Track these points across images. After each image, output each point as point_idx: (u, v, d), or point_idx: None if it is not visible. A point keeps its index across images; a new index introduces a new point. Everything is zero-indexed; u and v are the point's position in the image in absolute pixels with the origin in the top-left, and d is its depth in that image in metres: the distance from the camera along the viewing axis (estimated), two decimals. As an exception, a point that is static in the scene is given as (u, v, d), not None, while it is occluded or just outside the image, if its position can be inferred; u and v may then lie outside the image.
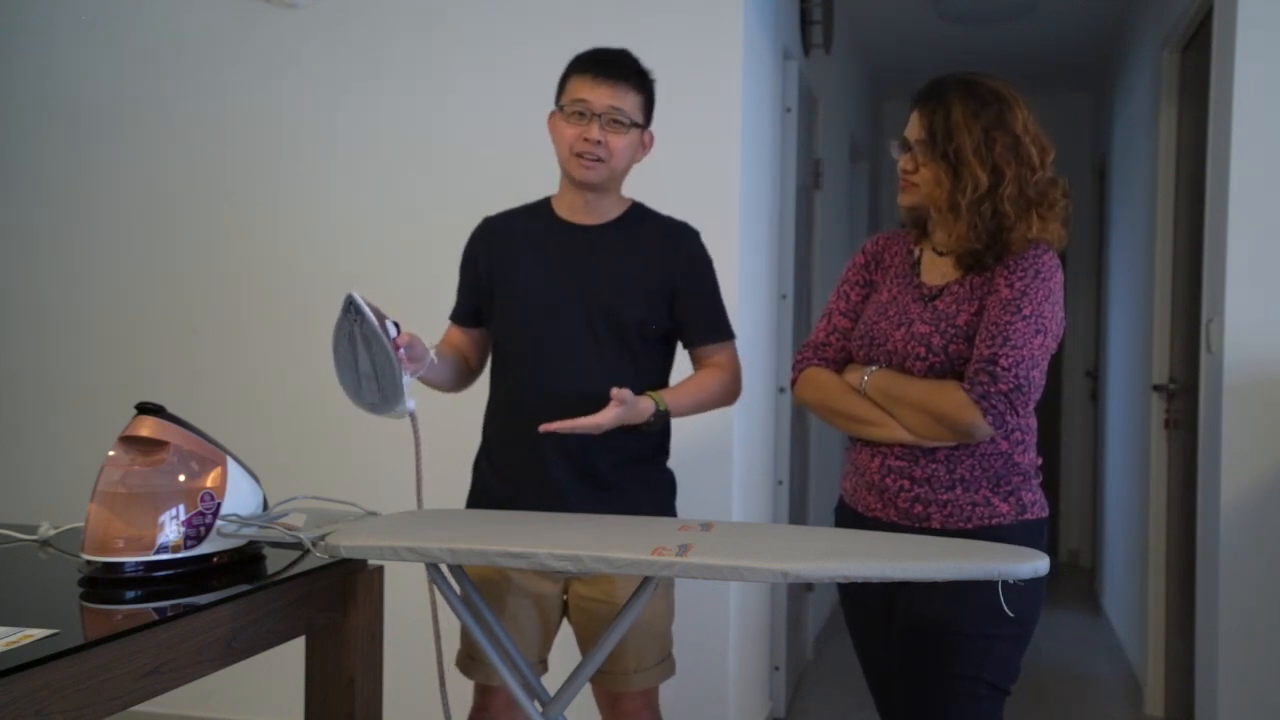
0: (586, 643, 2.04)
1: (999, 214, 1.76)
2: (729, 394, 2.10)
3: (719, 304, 2.11)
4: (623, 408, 1.86)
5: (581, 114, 1.97)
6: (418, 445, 1.84)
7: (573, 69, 2.02)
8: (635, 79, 2.01)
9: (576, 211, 2.05)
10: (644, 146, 2.06)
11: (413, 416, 1.81)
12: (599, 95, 1.96)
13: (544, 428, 1.85)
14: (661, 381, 2.08)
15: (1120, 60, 4.93)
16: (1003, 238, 1.77)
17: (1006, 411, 1.70)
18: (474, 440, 2.13)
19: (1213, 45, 2.94)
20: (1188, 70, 3.49)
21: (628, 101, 1.98)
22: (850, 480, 1.92)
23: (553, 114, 2.04)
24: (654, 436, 2.03)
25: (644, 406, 1.91)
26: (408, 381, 1.77)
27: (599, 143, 1.96)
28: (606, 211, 2.05)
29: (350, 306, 1.70)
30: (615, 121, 1.97)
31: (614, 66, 1.99)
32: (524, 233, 2.09)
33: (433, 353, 1.88)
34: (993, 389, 1.70)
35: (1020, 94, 1.82)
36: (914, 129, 1.83)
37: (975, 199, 1.76)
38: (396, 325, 1.76)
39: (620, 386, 1.92)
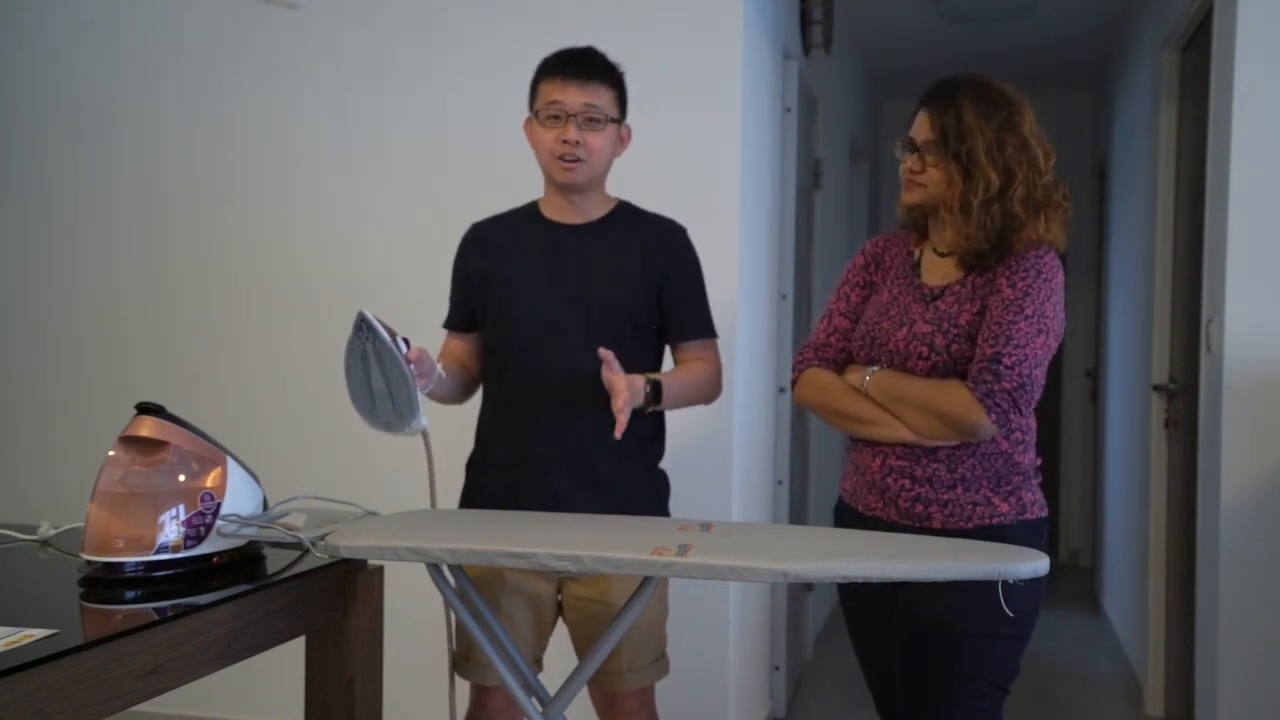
0: (582, 642, 2.04)
1: (1009, 215, 1.76)
2: (713, 389, 2.10)
3: (704, 301, 2.10)
4: (626, 390, 1.84)
5: (556, 116, 1.97)
6: (431, 463, 1.84)
7: (542, 73, 2.02)
8: (605, 74, 2.01)
9: (564, 212, 2.06)
10: (622, 141, 2.07)
11: (425, 434, 1.81)
12: (571, 95, 1.96)
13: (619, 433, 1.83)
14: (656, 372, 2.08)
15: (1120, 60, 4.93)
16: (1009, 238, 1.77)
17: (1010, 410, 1.71)
18: (468, 441, 2.13)
19: (1213, 45, 2.94)
20: (1188, 70, 3.49)
21: (601, 98, 1.99)
22: (851, 480, 1.92)
23: (528, 120, 2.05)
24: (649, 430, 2.04)
25: (638, 383, 1.91)
26: (420, 398, 1.77)
27: (578, 143, 1.96)
28: (593, 210, 2.06)
29: (362, 325, 1.70)
30: (591, 120, 1.98)
31: (582, 65, 1.99)
32: (514, 235, 2.09)
33: (440, 367, 1.88)
34: (996, 387, 1.70)
35: (1025, 96, 1.82)
36: (923, 129, 1.84)
37: (986, 200, 1.77)
38: (406, 341, 1.76)
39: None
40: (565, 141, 1.96)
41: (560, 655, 2.09)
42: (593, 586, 1.98)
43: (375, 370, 1.73)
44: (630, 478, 2.02)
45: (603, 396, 1.91)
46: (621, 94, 2.05)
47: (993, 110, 1.78)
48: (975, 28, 4.82)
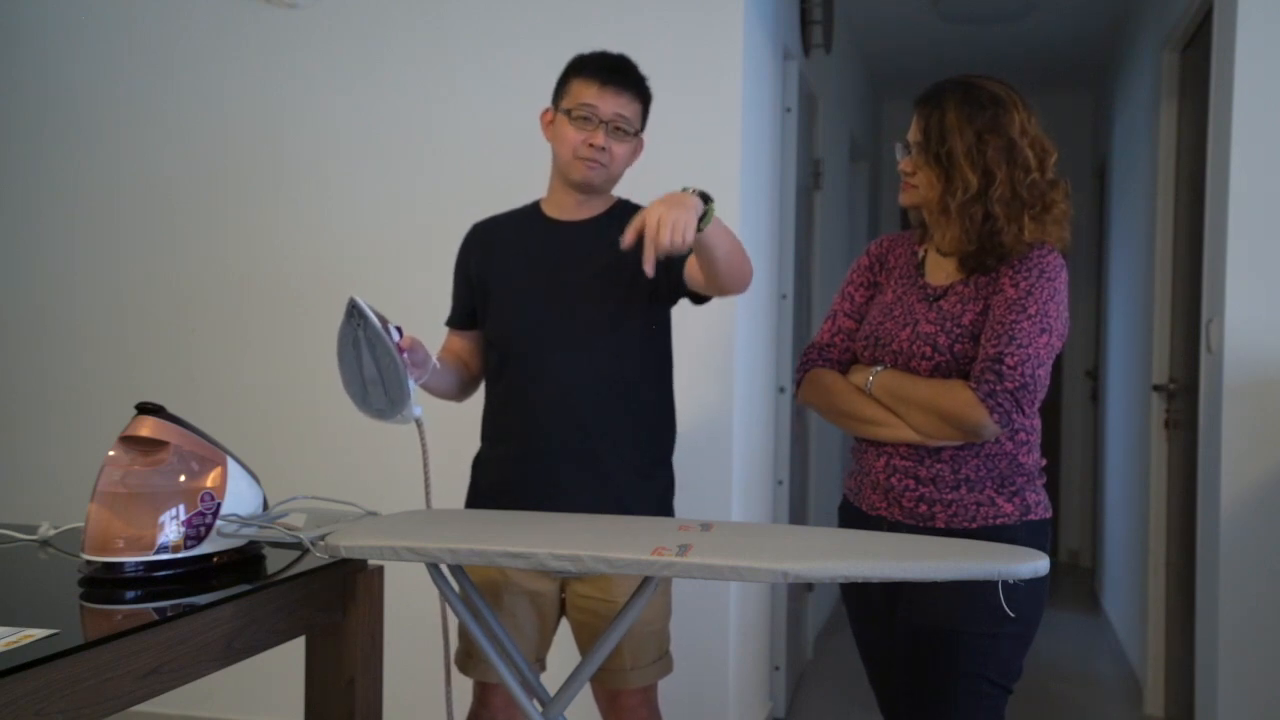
0: (585, 641, 2.04)
1: (990, 216, 1.76)
2: (748, 265, 1.94)
3: None
4: (661, 213, 1.65)
5: (587, 119, 1.99)
6: (425, 453, 1.84)
7: (577, 72, 2.03)
8: (637, 87, 2.04)
9: (566, 209, 2.08)
10: (635, 153, 2.09)
11: (419, 423, 1.81)
12: (606, 103, 1.98)
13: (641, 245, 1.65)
14: (663, 370, 2.09)
15: (1120, 60, 4.93)
16: (996, 240, 1.77)
17: (1012, 410, 1.71)
18: (474, 441, 2.13)
19: (1213, 45, 2.93)
20: (1188, 70, 3.48)
21: (631, 109, 2.02)
22: (855, 479, 1.92)
23: (551, 113, 2.05)
24: (655, 424, 2.05)
25: (682, 199, 1.69)
26: (412, 387, 1.77)
27: (604, 149, 1.99)
28: (594, 207, 2.08)
29: (353, 310, 1.70)
30: (619, 129, 2.00)
31: (619, 74, 2.02)
32: (514, 234, 2.11)
33: (435, 358, 1.88)
34: (999, 387, 1.70)
35: (1022, 96, 1.82)
36: (913, 131, 1.85)
37: (965, 202, 1.77)
38: (399, 330, 1.77)
39: (620, 375, 1.96)
40: (592, 145, 1.98)
41: (564, 655, 2.09)
42: (596, 585, 1.98)
43: (367, 356, 1.74)
44: (634, 472, 2.03)
45: (605, 390, 1.90)
46: (647, 108, 2.07)
47: (976, 111, 1.77)
48: (975, 28, 4.82)
